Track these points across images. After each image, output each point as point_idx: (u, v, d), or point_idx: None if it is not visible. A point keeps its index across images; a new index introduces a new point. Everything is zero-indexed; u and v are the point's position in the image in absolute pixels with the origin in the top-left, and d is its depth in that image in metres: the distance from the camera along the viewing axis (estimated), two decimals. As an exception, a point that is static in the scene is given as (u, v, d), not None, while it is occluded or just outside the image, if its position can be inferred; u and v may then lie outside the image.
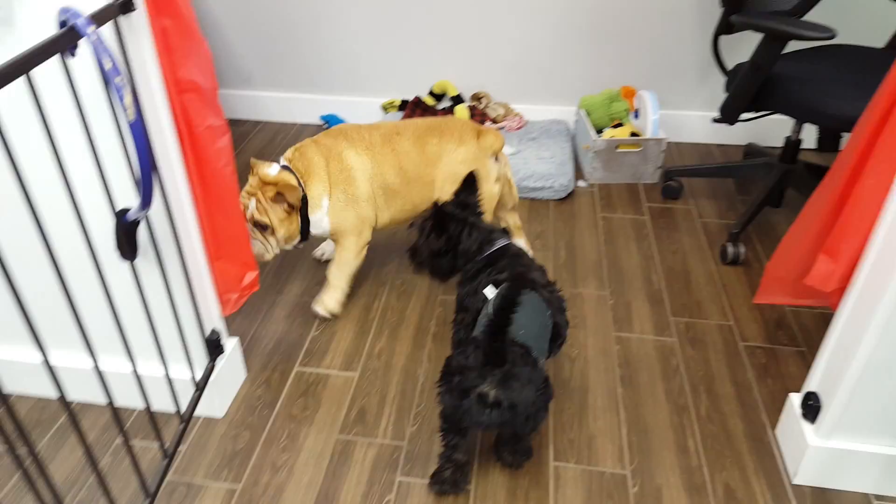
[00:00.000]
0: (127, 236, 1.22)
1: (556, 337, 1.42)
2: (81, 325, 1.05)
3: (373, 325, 1.91)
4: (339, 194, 1.80)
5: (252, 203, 1.74)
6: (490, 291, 1.39)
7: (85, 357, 1.50)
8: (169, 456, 1.38)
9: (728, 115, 2.09)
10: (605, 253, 2.16)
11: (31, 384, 1.66)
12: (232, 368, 1.68)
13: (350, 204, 1.81)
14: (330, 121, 2.95)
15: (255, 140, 2.94)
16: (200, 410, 1.61)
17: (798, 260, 1.43)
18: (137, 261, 1.32)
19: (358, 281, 2.05)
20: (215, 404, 1.62)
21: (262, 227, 1.75)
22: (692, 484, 1.43)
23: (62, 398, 1.00)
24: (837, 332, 1.32)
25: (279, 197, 1.72)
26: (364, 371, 1.75)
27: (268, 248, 1.80)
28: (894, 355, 1.23)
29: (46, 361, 0.98)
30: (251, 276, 1.64)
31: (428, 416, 1.61)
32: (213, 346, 1.57)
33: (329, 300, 1.91)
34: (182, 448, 1.54)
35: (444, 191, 1.85)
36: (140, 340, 1.40)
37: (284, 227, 1.78)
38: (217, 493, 1.44)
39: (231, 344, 1.66)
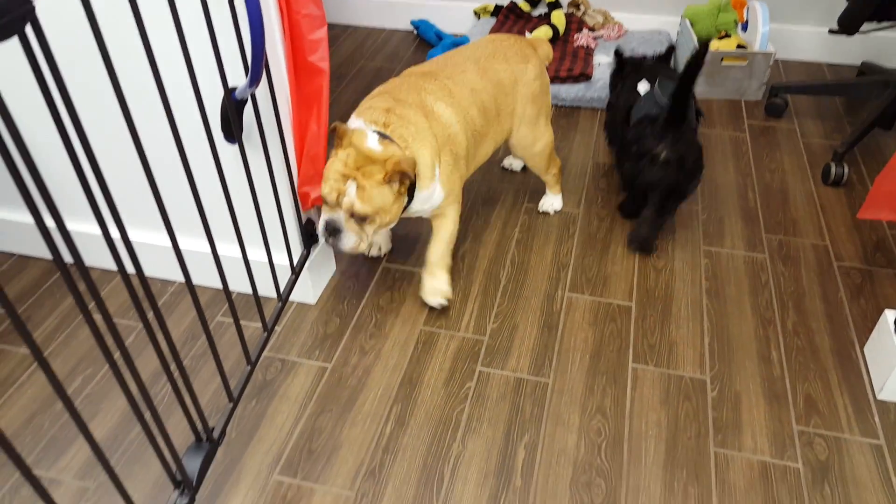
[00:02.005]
0: (233, 116, 1.28)
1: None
2: (204, 214, 1.13)
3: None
4: (446, 157, 1.52)
5: (351, 189, 1.37)
6: (643, 86, 1.71)
7: (194, 241, 1.62)
8: (269, 329, 1.49)
9: (848, 24, 1.94)
10: (696, 169, 2.10)
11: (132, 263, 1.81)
12: (324, 259, 1.77)
13: (455, 166, 1.55)
14: (420, 26, 2.92)
15: (344, 45, 2.96)
16: (295, 296, 1.72)
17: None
18: (237, 147, 1.39)
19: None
20: (308, 291, 1.72)
21: (362, 219, 1.41)
22: (773, 392, 1.43)
23: (186, 277, 1.09)
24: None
25: (397, 177, 1.38)
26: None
27: (364, 239, 1.45)
28: None
29: (175, 245, 1.07)
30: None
31: (509, 315, 1.66)
32: (309, 235, 1.66)
33: (441, 284, 1.65)
34: (277, 328, 1.66)
35: (526, 115, 1.72)
36: (243, 227, 1.49)
37: (392, 212, 1.43)
38: (310, 369, 1.55)
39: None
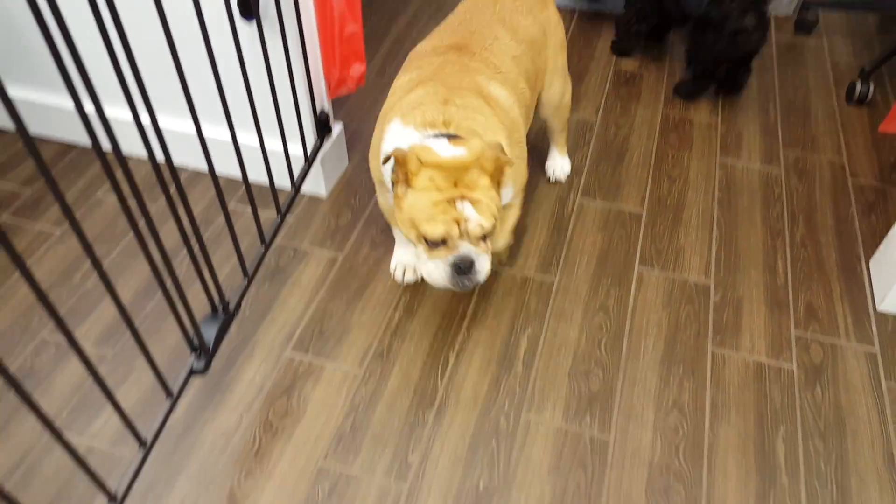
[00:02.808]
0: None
1: None
2: (224, 97, 1.12)
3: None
4: (514, 147, 1.28)
5: (468, 210, 1.11)
6: None
7: (209, 128, 1.62)
8: (282, 214, 1.51)
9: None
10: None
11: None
12: (337, 152, 1.77)
13: (522, 153, 1.33)
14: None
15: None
16: (307, 188, 1.73)
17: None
18: (253, 28, 1.37)
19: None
20: (321, 184, 1.73)
21: (485, 235, 1.16)
22: (775, 300, 1.46)
23: (208, 160, 1.09)
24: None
25: (501, 171, 1.15)
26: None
27: (488, 257, 1.19)
28: None
29: (198, 129, 1.07)
30: (359, 68, 1.67)
31: (520, 217, 1.67)
32: (323, 125, 1.65)
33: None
34: (290, 219, 1.67)
35: (558, 63, 1.54)
36: (258, 114, 1.48)
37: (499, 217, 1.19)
38: (321, 258, 1.58)
39: (337, 128, 1.74)
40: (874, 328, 1.40)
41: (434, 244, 1.12)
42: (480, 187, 1.11)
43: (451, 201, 1.09)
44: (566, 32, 2.30)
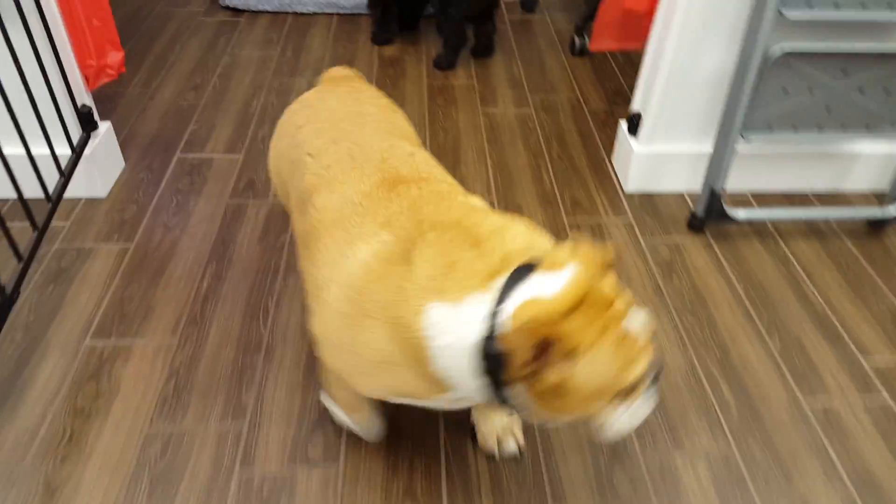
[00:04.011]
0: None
1: None
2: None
3: (254, 116, 1.96)
4: None
5: (640, 316, 0.79)
6: None
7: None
8: (40, 229, 1.33)
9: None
10: (471, 58, 2.32)
11: None
12: (109, 151, 1.68)
13: None
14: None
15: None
16: (82, 191, 1.62)
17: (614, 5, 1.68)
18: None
19: (242, 86, 2.08)
20: (97, 184, 1.63)
21: None
22: (546, 200, 1.68)
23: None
24: (648, 57, 1.58)
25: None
26: (248, 152, 1.82)
27: None
28: (689, 63, 1.50)
29: None
30: (116, 55, 1.63)
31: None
32: (87, 120, 1.57)
33: None
34: (66, 224, 1.56)
35: None
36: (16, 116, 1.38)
37: None
38: (109, 252, 1.49)
39: (105, 126, 1.66)
40: (625, 204, 1.67)
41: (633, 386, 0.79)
42: (615, 284, 0.79)
43: (621, 328, 0.76)
44: (329, 33, 2.44)
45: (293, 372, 1.24)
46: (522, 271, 0.76)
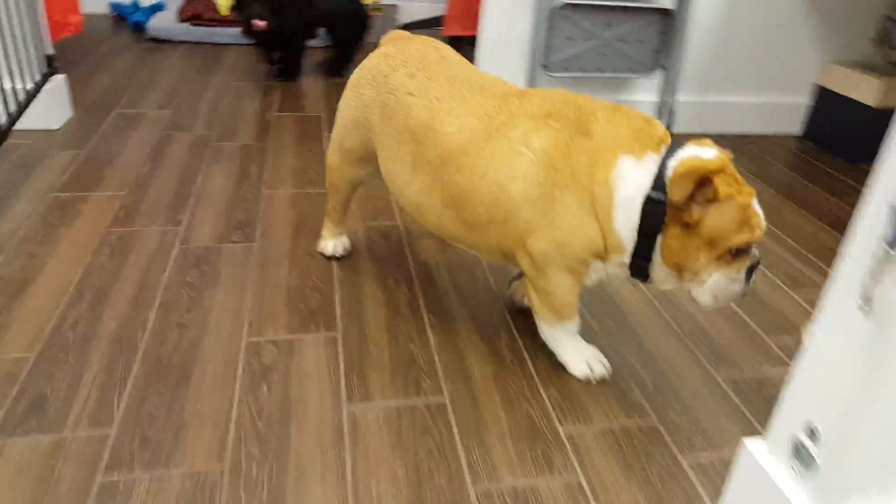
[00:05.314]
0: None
1: None
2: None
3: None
4: None
5: (759, 209, 1.01)
6: None
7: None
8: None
9: None
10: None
11: None
12: (62, 97, 2.09)
13: None
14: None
15: None
16: (40, 124, 2.01)
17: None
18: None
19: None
20: (52, 119, 2.02)
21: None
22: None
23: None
24: (481, 35, 2.21)
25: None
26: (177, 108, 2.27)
27: None
28: (504, 29, 2.13)
29: None
30: (75, 17, 2.10)
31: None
32: (49, 63, 1.99)
33: None
34: (28, 142, 1.93)
35: None
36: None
37: None
38: (63, 158, 1.87)
39: (61, 76, 2.08)
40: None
41: (739, 253, 0.99)
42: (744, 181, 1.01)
43: (748, 199, 0.98)
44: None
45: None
46: (675, 146, 1.02)
